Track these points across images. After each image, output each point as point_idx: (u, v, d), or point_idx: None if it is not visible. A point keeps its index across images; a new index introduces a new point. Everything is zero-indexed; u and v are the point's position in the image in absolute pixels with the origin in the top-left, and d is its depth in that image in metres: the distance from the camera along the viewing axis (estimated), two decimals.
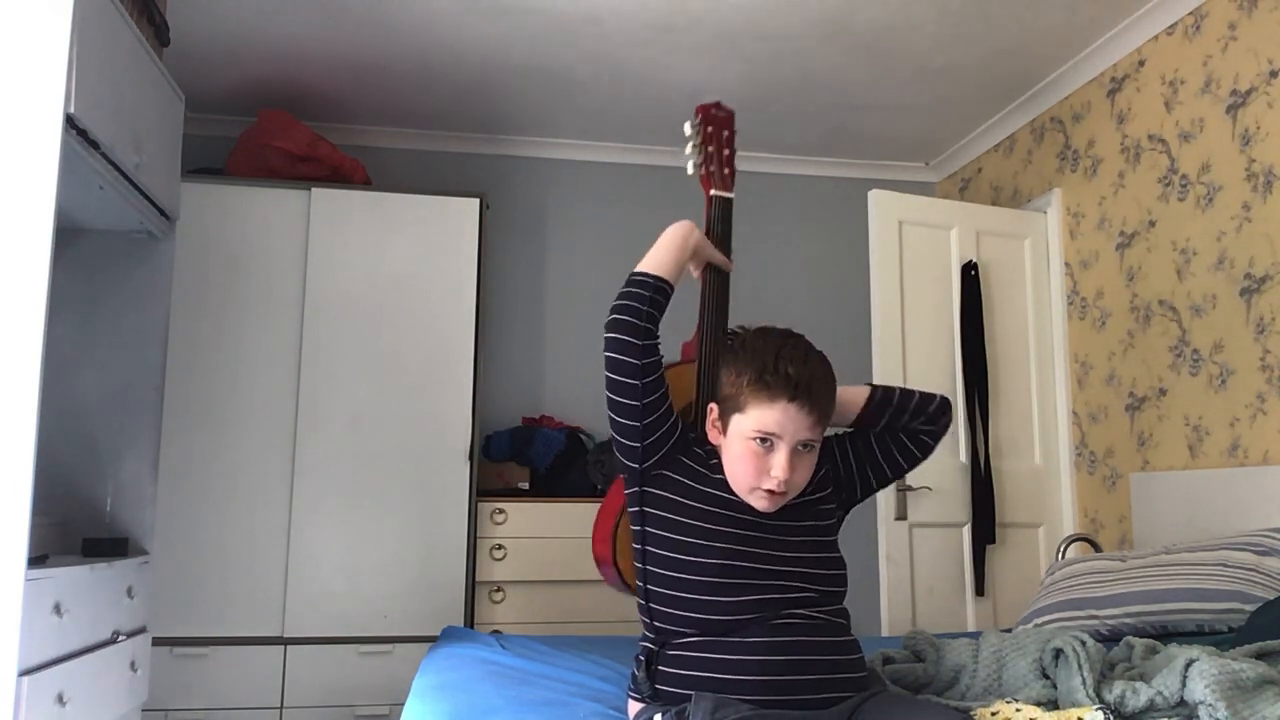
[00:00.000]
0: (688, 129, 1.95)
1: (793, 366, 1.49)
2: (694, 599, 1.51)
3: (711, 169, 1.95)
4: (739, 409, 1.52)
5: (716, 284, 1.88)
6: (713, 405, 1.61)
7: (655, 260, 1.68)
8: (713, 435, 1.61)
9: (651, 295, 1.62)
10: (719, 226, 1.92)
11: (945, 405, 1.69)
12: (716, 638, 1.49)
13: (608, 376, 1.60)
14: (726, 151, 1.95)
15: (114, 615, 2.33)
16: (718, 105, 1.97)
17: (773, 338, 1.55)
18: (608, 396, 1.60)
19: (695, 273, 1.85)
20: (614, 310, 1.62)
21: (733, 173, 1.96)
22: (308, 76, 3.74)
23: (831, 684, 1.49)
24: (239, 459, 3.46)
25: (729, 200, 1.94)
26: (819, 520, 1.61)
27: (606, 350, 1.60)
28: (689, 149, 1.95)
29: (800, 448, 1.51)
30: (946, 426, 1.70)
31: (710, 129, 1.95)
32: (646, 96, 3.88)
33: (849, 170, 4.60)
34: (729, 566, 1.51)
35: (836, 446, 1.68)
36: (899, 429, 1.67)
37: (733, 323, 1.79)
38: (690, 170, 1.97)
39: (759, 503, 1.53)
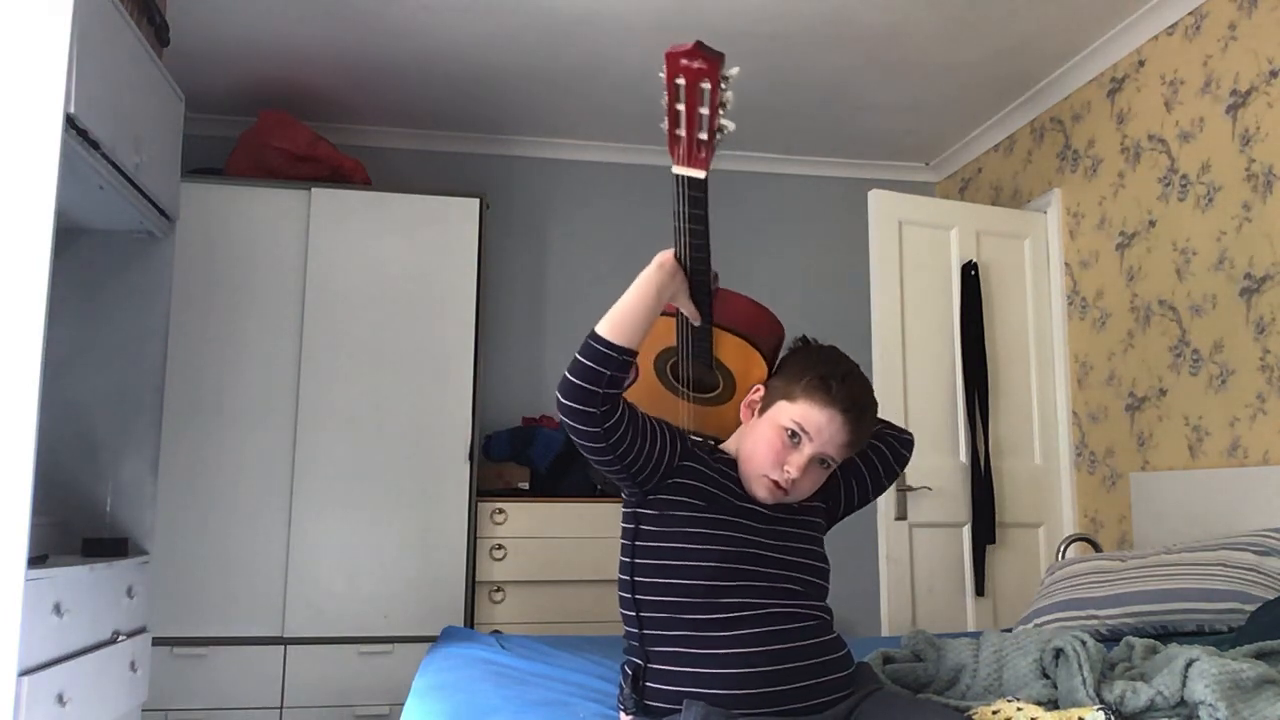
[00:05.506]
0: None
1: (857, 388, 1.57)
2: (687, 584, 1.51)
3: (679, 134, 1.43)
4: (789, 398, 1.56)
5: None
6: (760, 386, 1.65)
7: (625, 325, 1.48)
8: (745, 413, 1.65)
9: (615, 372, 1.47)
10: (685, 213, 1.47)
11: (909, 435, 1.85)
12: (704, 634, 1.48)
13: (573, 439, 1.52)
14: (705, 111, 1.40)
15: (114, 615, 2.33)
16: (693, 51, 1.35)
17: (846, 358, 1.63)
18: (583, 455, 1.55)
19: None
20: (573, 374, 1.46)
21: (712, 143, 1.43)
22: (308, 76, 3.74)
23: (821, 687, 1.49)
24: (239, 459, 3.45)
25: (700, 181, 1.45)
26: (809, 521, 1.65)
27: (564, 416, 1.48)
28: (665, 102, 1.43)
29: (820, 461, 1.56)
30: (907, 444, 1.83)
31: (680, 82, 1.38)
32: (646, 96, 3.88)
33: (849, 170, 4.60)
34: (728, 552, 1.52)
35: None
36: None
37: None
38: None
39: (760, 490, 1.56)
